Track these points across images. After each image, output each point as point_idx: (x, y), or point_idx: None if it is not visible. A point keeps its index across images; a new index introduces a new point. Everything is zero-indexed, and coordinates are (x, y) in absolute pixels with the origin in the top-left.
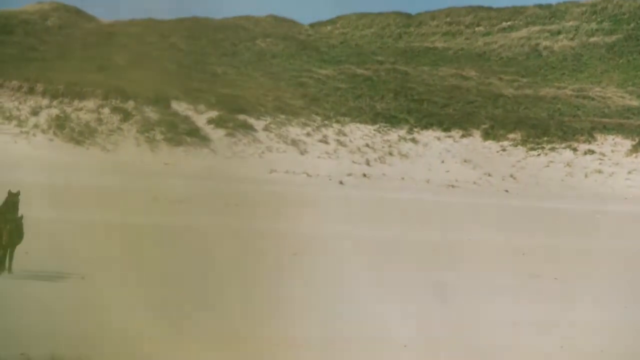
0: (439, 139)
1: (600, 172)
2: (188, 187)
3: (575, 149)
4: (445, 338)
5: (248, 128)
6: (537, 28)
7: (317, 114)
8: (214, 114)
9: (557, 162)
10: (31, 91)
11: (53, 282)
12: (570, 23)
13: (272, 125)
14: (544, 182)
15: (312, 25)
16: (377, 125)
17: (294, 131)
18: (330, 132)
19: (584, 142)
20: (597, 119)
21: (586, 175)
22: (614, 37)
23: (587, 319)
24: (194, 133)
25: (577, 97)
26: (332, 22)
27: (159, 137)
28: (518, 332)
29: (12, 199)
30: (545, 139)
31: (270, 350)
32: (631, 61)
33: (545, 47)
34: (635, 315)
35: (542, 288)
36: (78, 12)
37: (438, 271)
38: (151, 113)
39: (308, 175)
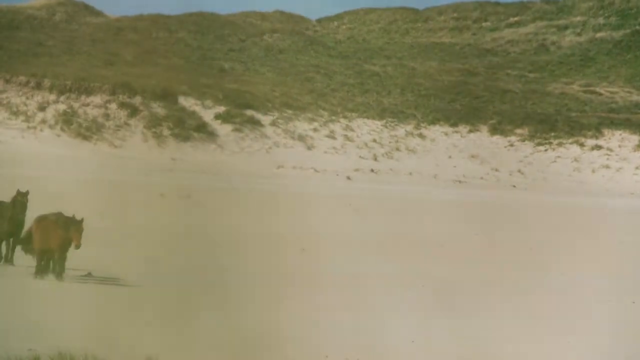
0: (446, 134)
1: (607, 167)
2: (195, 182)
3: (582, 145)
4: (450, 335)
5: (255, 123)
6: (544, 23)
7: (324, 109)
8: (221, 109)
9: (565, 157)
10: (38, 86)
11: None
12: (578, 18)
13: (279, 121)
14: (551, 177)
15: (319, 21)
16: (385, 121)
17: (301, 126)
18: (337, 127)
19: (592, 137)
20: (605, 114)
21: (593, 171)
22: (621, 33)
23: (594, 314)
24: (201, 128)
25: (584, 92)
26: (339, 17)
27: (166, 132)
28: (522, 328)
29: (21, 199)
30: (553, 134)
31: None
32: (638, 56)
33: (553, 43)
34: None
35: (548, 283)
36: (85, 7)
37: (443, 268)
38: (158, 108)
39: (315, 170)
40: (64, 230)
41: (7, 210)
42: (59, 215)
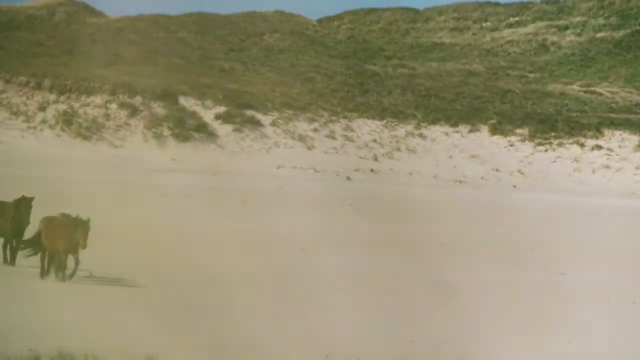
0: (446, 134)
1: (607, 167)
2: (195, 182)
3: (582, 145)
4: (450, 335)
5: (255, 123)
6: (544, 23)
7: (324, 109)
8: (221, 109)
9: (565, 157)
10: (39, 86)
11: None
12: (578, 18)
13: (279, 121)
14: (551, 178)
15: (319, 21)
16: (385, 121)
17: (301, 126)
18: (337, 127)
19: (592, 137)
20: (605, 114)
21: (593, 171)
22: (621, 33)
23: (594, 314)
24: (202, 129)
25: (584, 92)
26: (339, 17)
27: (166, 132)
28: (522, 328)
29: (26, 205)
30: (553, 134)
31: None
32: (638, 57)
33: (553, 43)
34: None
35: (549, 283)
36: (85, 7)
37: (443, 267)
38: (159, 109)
39: (315, 170)
40: (70, 232)
41: (10, 210)
42: (67, 216)
